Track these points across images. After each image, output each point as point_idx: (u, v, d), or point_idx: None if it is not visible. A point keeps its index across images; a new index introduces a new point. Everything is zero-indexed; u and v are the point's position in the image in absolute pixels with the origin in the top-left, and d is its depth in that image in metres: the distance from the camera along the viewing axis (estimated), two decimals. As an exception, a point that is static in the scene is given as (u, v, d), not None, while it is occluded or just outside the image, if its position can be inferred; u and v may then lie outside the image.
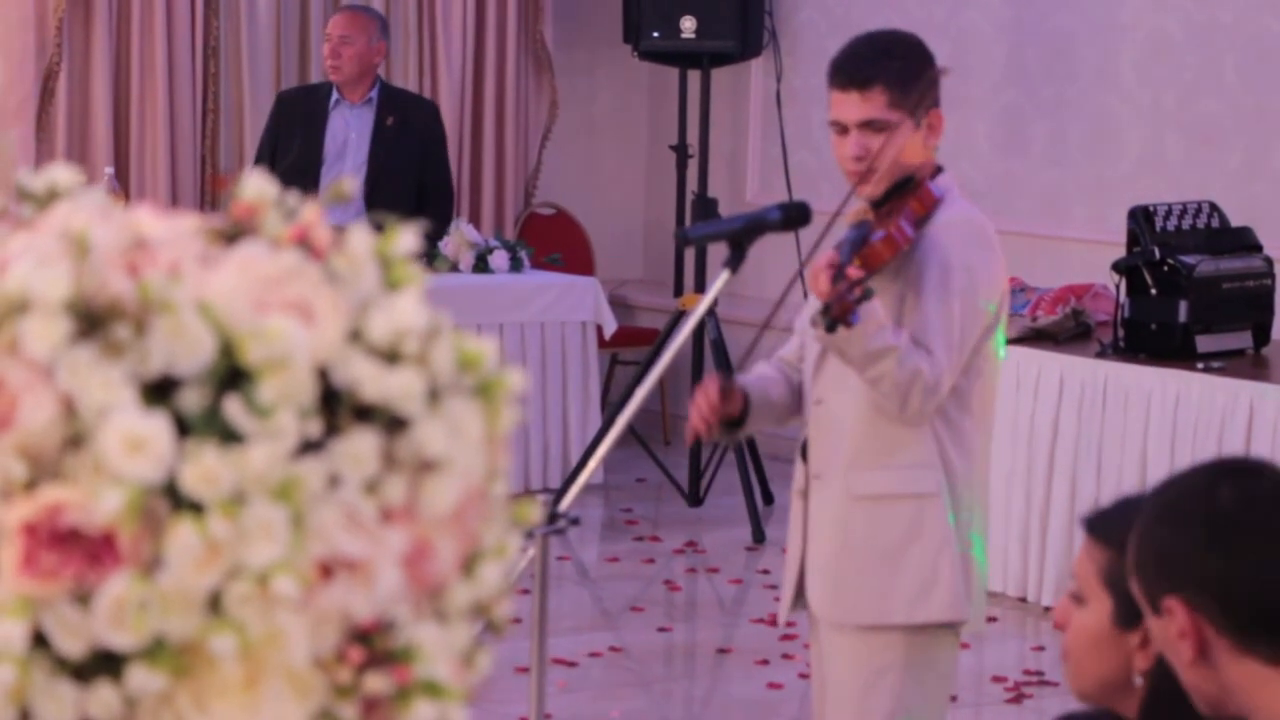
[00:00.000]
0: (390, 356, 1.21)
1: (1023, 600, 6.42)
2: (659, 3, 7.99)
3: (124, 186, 7.86)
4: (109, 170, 7.40)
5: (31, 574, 1.14)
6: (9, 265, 1.20)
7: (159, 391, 1.17)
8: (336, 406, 1.20)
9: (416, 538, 1.21)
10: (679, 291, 8.60)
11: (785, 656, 6.00)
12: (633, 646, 6.08)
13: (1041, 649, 6.15)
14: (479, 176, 8.85)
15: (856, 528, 3.61)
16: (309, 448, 1.18)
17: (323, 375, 1.20)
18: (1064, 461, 6.33)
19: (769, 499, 7.65)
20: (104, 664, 1.15)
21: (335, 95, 7.42)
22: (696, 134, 8.29)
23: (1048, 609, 6.41)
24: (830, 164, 8.56)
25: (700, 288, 7.80)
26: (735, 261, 3.38)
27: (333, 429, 1.19)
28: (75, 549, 1.15)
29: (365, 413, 1.20)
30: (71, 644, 1.15)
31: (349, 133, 7.39)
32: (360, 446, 1.19)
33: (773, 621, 6.33)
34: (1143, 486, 6.12)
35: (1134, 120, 7.68)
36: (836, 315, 3.29)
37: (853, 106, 3.56)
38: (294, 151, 7.29)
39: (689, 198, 8.32)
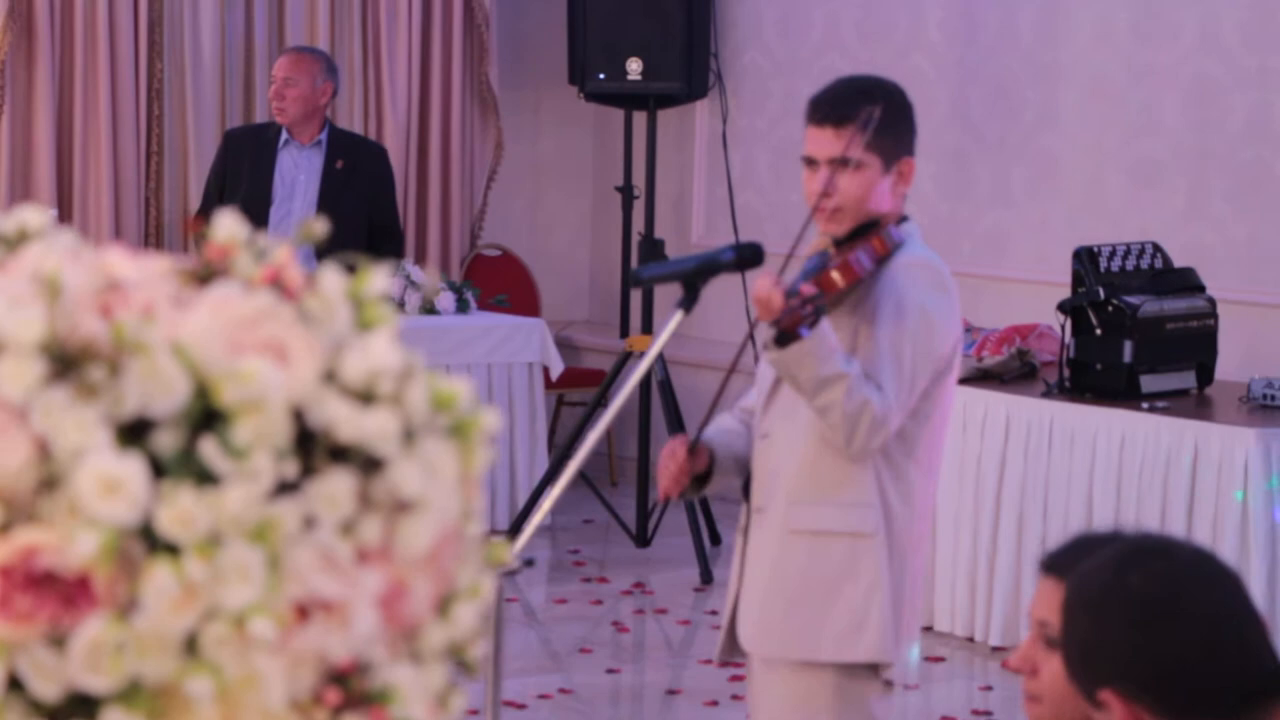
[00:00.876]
0: (365, 397, 1.21)
1: (970, 640, 6.44)
2: (604, 44, 8.02)
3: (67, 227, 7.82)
4: (52, 212, 7.35)
5: (6, 617, 1.14)
6: (-19, 307, 1.19)
7: (133, 433, 1.17)
8: (312, 447, 1.20)
9: (392, 578, 1.21)
10: (625, 333, 8.62)
11: (734, 697, 5.99)
12: (582, 688, 6.07)
13: (989, 689, 6.17)
14: (424, 217, 8.84)
15: (792, 562, 3.62)
16: (284, 489, 1.18)
17: (297, 416, 1.20)
18: (1010, 501, 6.35)
19: (716, 539, 7.65)
20: (79, 707, 1.15)
21: (285, 135, 7.41)
22: (642, 175, 8.31)
23: (995, 649, 6.43)
24: (776, 206, 8.64)
25: (648, 329, 7.82)
26: (689, 302, 3.40)
27: (308, 470, 1.19)
28: (50, 591, 1.14)
29: (340, 453, 1.20)
30: (47, 687, 1.14)
31: (298, 173, 7.38)
32: (336, 487, 1.19)
33: (722, 663, 6.32)
34: (1089, 524, 6.16)
35: (1075, 161, 7.74)
36: (786, 327, 3.31)
37: (826, 142, 3.59)
38: (242, 189, 7.28)
39: (635, 238, 8.35)
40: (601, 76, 8.02)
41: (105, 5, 8.04)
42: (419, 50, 8.80)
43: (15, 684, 1.15)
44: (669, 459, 3.59)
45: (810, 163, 3.65)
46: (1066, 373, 6.28)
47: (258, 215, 7.15)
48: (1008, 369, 6.54)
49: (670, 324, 3.40)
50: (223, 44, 8.37)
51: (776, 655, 3.64)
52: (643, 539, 7.68)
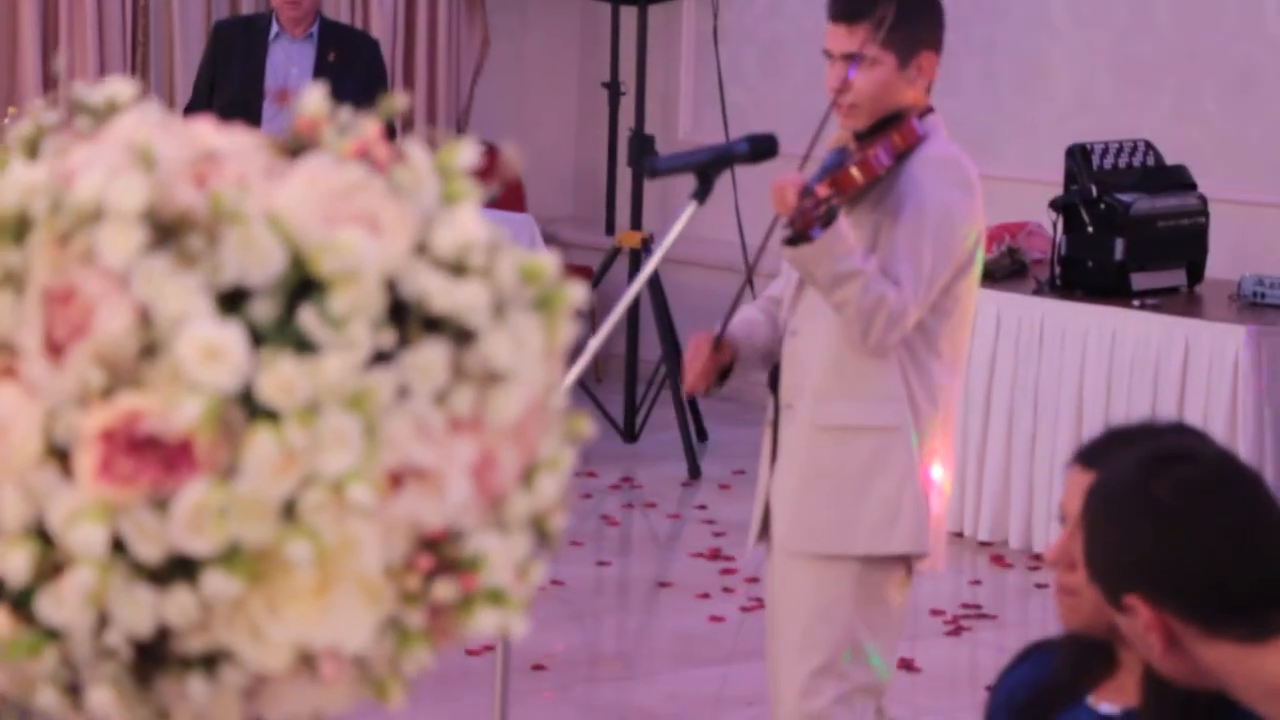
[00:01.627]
0: (456, 269, 1.23)
1: (959, 535, 6.49)
2: (595, -61, 7.97)
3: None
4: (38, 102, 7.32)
5: (110, 480, 1.15)
6: (76, 177, 1.20)
7: (231, 301, 1.18)
8: (405, 318, 1.21)
9: (483, 448, 1.23)
10: (610, 229, 8.61)
11: (726, 590, 6.05)
12: (572, 580, 6.11)
13: (978, 583, 6.23)
14: (410, 113, 8.81)
15: (822, 457, 3.65)
16: (380, 358, 1.20)
17: (391, 287, 1.21)
18: (1000, 398, 6.40)
19: (703, 435, 7.69)
20: (180, 569, 1.17)
21: (275, 28, 7.29)
22: (627, 72, 8.28)
23: (983, 544, 6.49)
24: (764, 102, 8.62)
25: (636, 225, 7.82)
26: (702, 193, 3.41)
27: (403, 340, 1.21)
28: (152, 456, 1.16)
29: (433, 324, 1.22)
30: (149, 549, 1.16)
31: (290, 67, 7.26)
32: (429, 357, 1.20)
33: (712, 555, 6.38)
34: (1079, 423, 6.21)
35: (1066, 60, 7.74)
36: (799, 229, 3.33)
37: (840, 38, 3.61)
38: (234, 84, 7.17)
39: (621, 135, 8.33)
40: (593, -30, 7.98)
41: (91, -102, 7.96)
42: (406, -52, 8.74)
43: (118, 546, 1.16)
44: (694, 356, 3.63)
45: (828, 55, 3.67)
46: (1058, 270, 6.31)
47: (252, 111, 7.07)
48: (998, 266, 6.56)
49: (685, 215, 3.42)
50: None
51: (809, 549, 3.67)
52: (630, 434, 7.71)
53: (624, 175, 8.36)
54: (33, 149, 1.25)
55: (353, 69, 7.26)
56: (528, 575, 1.30)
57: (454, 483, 1.21)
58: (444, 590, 1.22)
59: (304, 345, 1.18)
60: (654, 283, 7.59)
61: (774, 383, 3.74)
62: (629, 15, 8.28)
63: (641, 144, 7.50)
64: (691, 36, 8.96)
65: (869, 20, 3.59)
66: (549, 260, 1.27)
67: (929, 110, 3.68)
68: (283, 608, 1.18)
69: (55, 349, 1.17)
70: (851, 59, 3.59)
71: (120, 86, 1.28)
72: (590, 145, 9.26)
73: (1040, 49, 7.80)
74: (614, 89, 8.38)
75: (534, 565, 1.30)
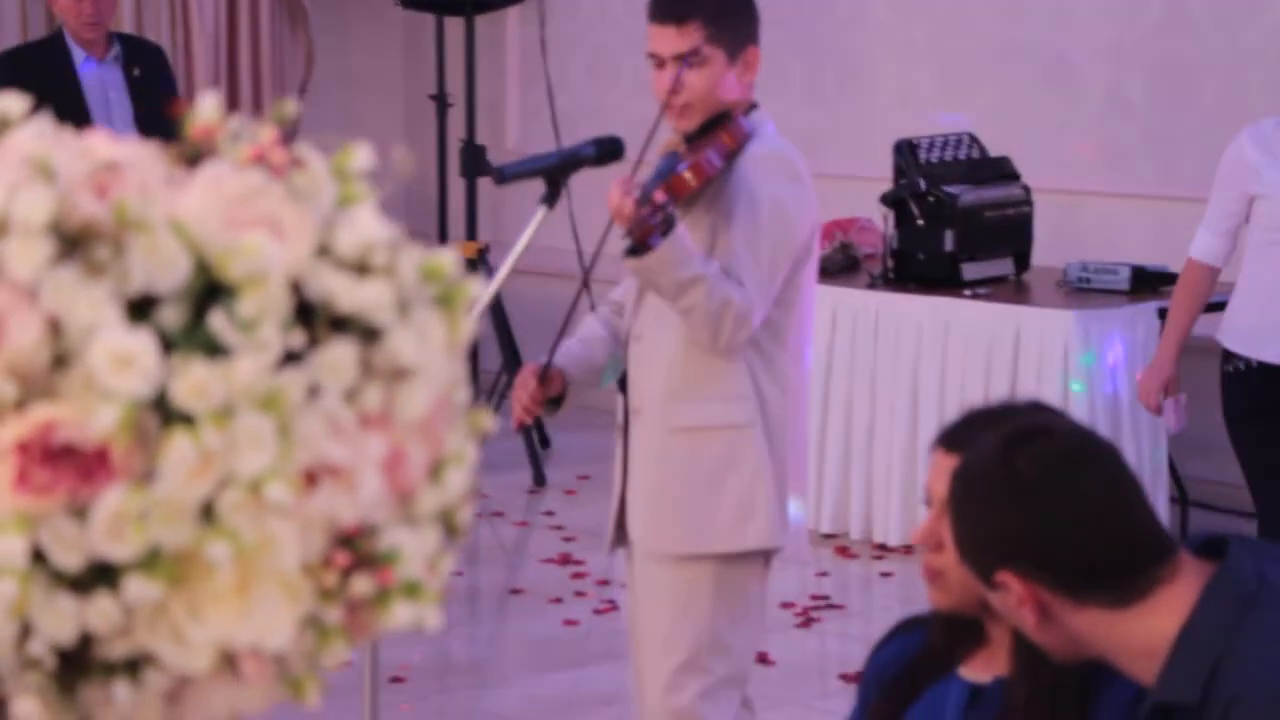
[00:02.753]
0: (360, 269, 1.25)
1: (803, 528, 6.57)
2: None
3: None
4: None
5: (27, 491, 1.16)
6: (-23, 191, 1.21)
7: (139, 309, 1.20)
8: (312, 319, 1.23)
9: (393, 444, 1.25)
10: (443, 241, 8.61)
11: (578, 594, 6.08)
12: (424, 592, 6.11)
13: (825, 574, 6.31)
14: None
15: (675, 459, 3.69)
16: (290, 359, 1.21)
17: (296, 289, 1.23)
18: (838, 391, 6.49)
19: (545, 442, 7.71)
20: (101, 576, 1.18)
21: (82, 54, 6.94)
22: (454, 83, 8.29)
23: (826, 535, 6.58)
24: (592, 110, 8.67)
25: (471, 235, 7.83)
26: (551, 198, 3.44)
27: (311, 341, 1.22)
28: (68, 465, 1.17)
29: (340, 324, 1.24)
30: (69, 558, 1.17)
31: (107, 91, 7.04)
32: (338, 356, 1.22)
33: (562, 561, 6.41)
34: (916, 413, 6.32)
35: (887, 57, 7.86)
36: (638, 238, 3.36)
37: (669, 40, 3.63)
38: (54, 115, 6.99)
39: (450, 146, 8.33)
40: (417, -17, 7.98)
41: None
42: (225, -40, 8.68)
43: (38, 556, 1.17)
44: (520, 389, 3.66)
45: (656, 60, 3.69)
46: (890, 263, 6.41)
47: None
48: (832, 262, 6.66)
49: (534, 221, 3.44)
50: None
51: (667, 550, 3.71)
52: (473, 444, 7.71)
53: (455, 186, 8.37)
54: (-72, 166, 1.25)
55: (157, 81, 7.12)
56: (438, 568, 1.32)
57: (367, 479, 1.23)
58: (361, 585, 1.24)
59: (214, 349, 1.19)
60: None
61: (624, 387, 3.78)
62: (453, 25, 8.29)
63: (474, 153, 7.52)
64: (517, 46, 8.99)
65: (698, 18, 3.63)
66: (448, 258, 1.29)
67: (754, 106, 3.73)
68: (204, 609, 1.20)
69: (-34, 363, 1.17)
70: (683, 59, 3.63)
71: (9, 103, 1.29)
72: (419, 158, 9.25)
73: (862, 46, 7.92)
74: (441, 100, 8.39)
75: (443, 558, 1.32)
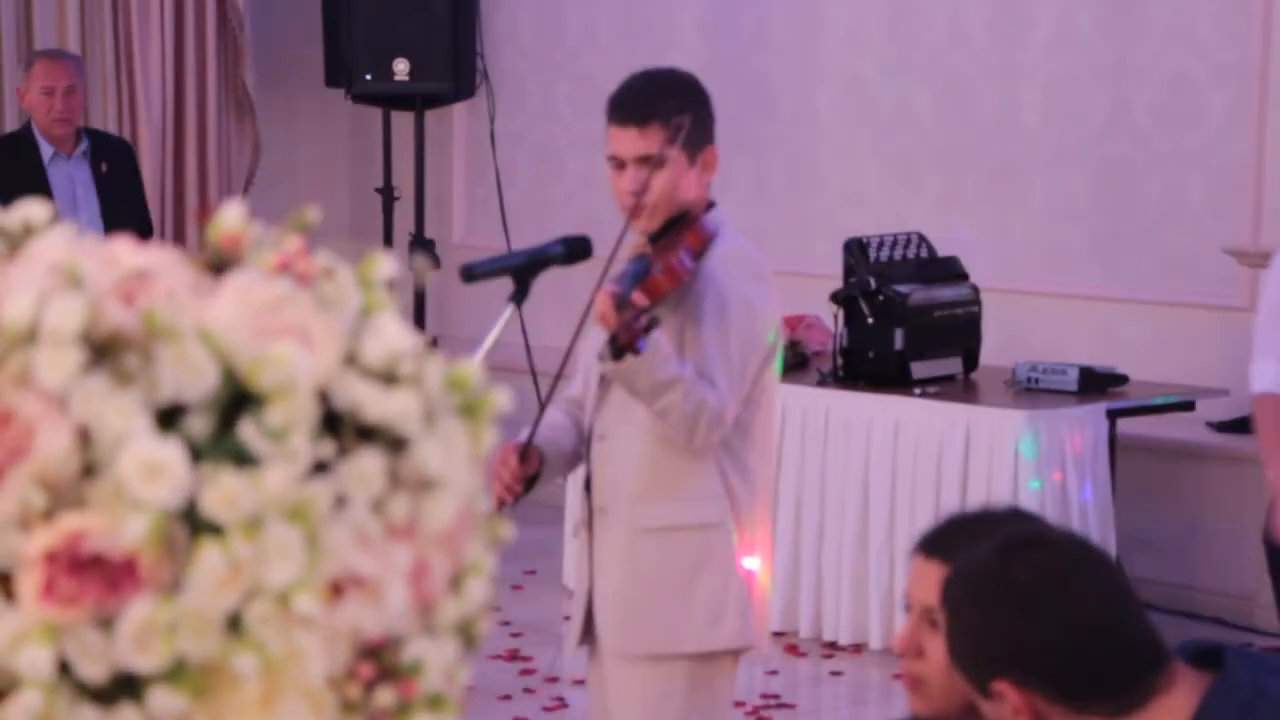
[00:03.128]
0: (387, 378, 1.24)
1: (752, 626, 6.55)
2: (371, 45, 8.01)
3: None
4: None
5: (54, 601, 1.15)
6: (5, 300, 1.20)
7: (168, 418, 1.19)
8: (339, 428, 1.23)
9: (418, 555, 1.25)
10: (389, 334, 8.59)
11: (527, 690, 6.04)
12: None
13: (774, 673, 6.30)
14: (182, 222, 8.73)
15: (645, 559, 3.68)
16: (318, 469, 1.21)
17: (323, 398, 1.23)
18: (788, 489, 6.50)
19: (492, 537, 7.68)
20: (125, 687, 1.17)
21: (50, 149, 7.00)
22: (401, 177, 8.30)
23: (776, 634, 6.56)
24: (537, 206, 8.70)
25: (420, 329, 7.82)
26: (519, 296, 3.44)
27: (339, 450, 1.22)
28: (96, 575, 1.16)
29: (367, 434, 1.23)
30: (94, 668, 1.16)
31: (74, 187, 6.98)
32: (366, 466, 1.22)
33: (510, 657, 6.37)
34: (866, 511, 6.33)
35: (833, 156, 7.93)
36: (624, 343, 3.36)
37: (630, 142, 3.64)
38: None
39: (397, 240, 8.34)
40: (368, 78, 8.01)
41: None
42: (172, 53, 8.69)
43: (63, 667, 1.16)
44: (502, 466, 3.60)
45: (617, 163, 3.70)
46: (839, 361, 6.44)
47: None
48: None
49: (502, 318, 3.44)
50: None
51: (641, 651, 3.69)
52: (418, 539, 7.68)
53: (403, 280, 8.36)
54: (-50, 273, 1.25)
55: (125, 177, 7.15)
56: (456, 679, 1.31)
57: (393, 590, 1.22)
58: (384, 698, 1.23)
59: (243, 459, 1.18)
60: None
61: (588, 485, 3.77)
62: (400, 119, 8.32)
63: (423, 248, 7.52)
64: (462, 141, 9.02)
65: (658, 120, 3.65)
66: (473, 367, 1.29)
67: (711, 204, 3.76)
68: (228, 722, 1.18)
69: (-7, 472, 1.16)
70: (645, 161, 3.64)
71: (33, 209, 1.28)
72: (365, 251, 9.24)
73: (809, 146, 7.98)
74: (387, 194, 8.41)
75: (461, 669, 1.31)
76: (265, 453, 1.19)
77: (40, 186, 6.84)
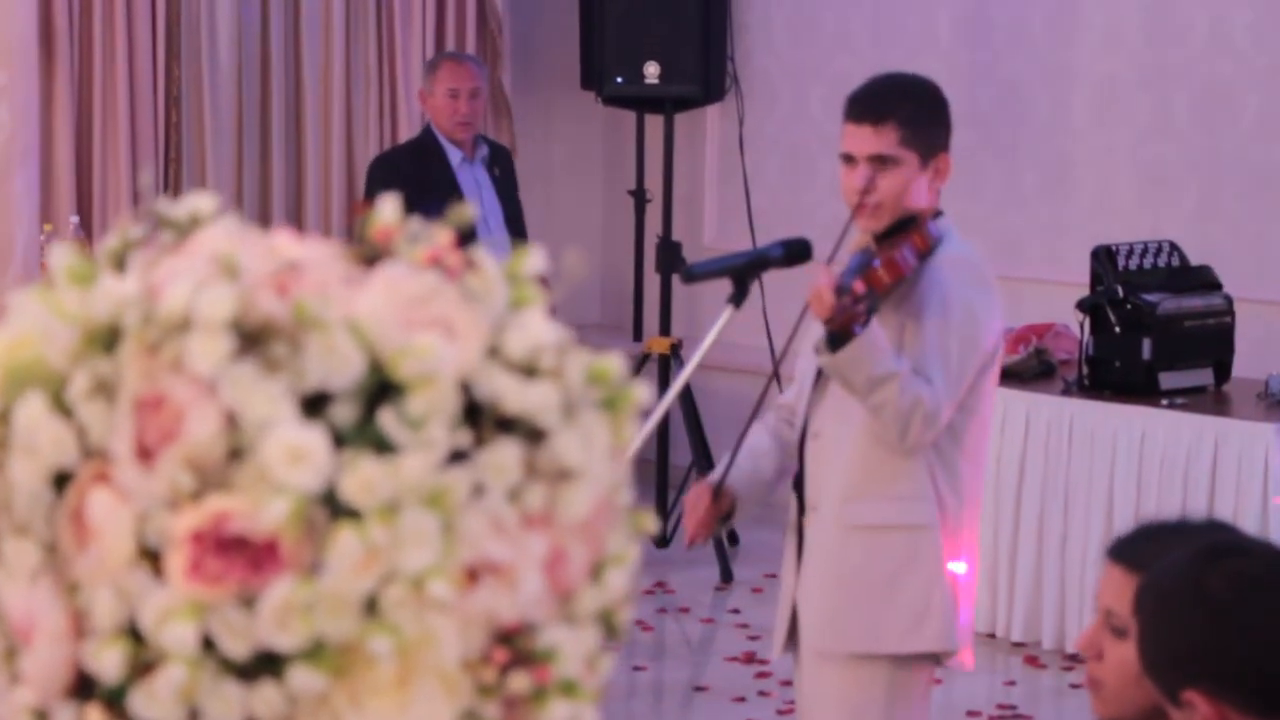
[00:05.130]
0: (528, 371, 1.27)
1: (991, 636, 6.50)
2: (621, 48, 8.08)
3: (89, 235, 7.88)
4: (74, 219, 7.42)
5: (200, 580, 1.20)
6: (164, 288, 1.25)
7: (313, 405, 1.23)
8: (479, 419, 1.26)
9: (554, 544, 1.27)
10: (638, 335, 8.67)
11: (761, 694, 6.05)
12: (608, 686, 6.12)
13: (1013, 684, 6.23)
14: (440, 222, 8.89)
15: (851, 557, 3.68)
16: (456, 458, 1.24)
17: (465, 389, 1.26)
18: (1031, 498, 6.42)
19: (734, 539, 7.71)
20: (266, 665, 1.21)
21: (458, 155, 6.93)
22: (653, 179, 8.37)
23: (1016, 644, 6.49)
24: (787, 208, 8.70)
25: (665, 330, 7.88)
26: (739, 297, 3.47)
27: (477, 440, 1.25)
28: (239, 556, 1.20)
29: (506, 425, 1.26)
30: (237, 646, 1.20)
31: (480, 191, 6.96)
32: (504, 456, 1.25)
33: (746, 659, 6.39)
34: (1110, 523, 6.23)
35: (1087, 162, 7.81)
36: (839, 327, 3.37)
37: (864, 140, 3.66)
38: (437, 216, 6.72)
39: (647, 241, 8.40)
40: (619, 80, 8.08)
41: (124, 9, 8.10)
42: (433, 53, 8.86)
43: (207, 644, 1.21)
44: (693, 509, 3.67)
45: (849, 159, 3.72)
46: (1085, 370, 6.35)
47: (466, 243, 6.68)
48: (1026, 368, 6.60)
49: (721, 320, 3.47)
50: (239, 47, 8.43)
51: (840, 649, 3.70)
52: (662, 540, 7.73)
53: (651, 281, 8.44)
54: (120, 262, 1.30)
55: (511, 179, 7.14)
56: (597, 668, 1.33)
57: (527, 577, 1.25)
58: (519, 682, 1.26)
59: (383, 446, 1.22)
60: (683, 388, 7.62)
61: (798, 484, 3.77)
62: (652, 122, 8.38)
63: (670, 250, 7.57)
64: (715, 143, 9.05)
65: (894, 120, 3.65)
66: (615, 362, 1.31)
67: (939, 213, 3.75)
68: (365, 701, 1.22)
69: (146, 454, 1.21)
70: (877, 160, 3.65)
71: (202, 201, 1.33)
72: (616, 252, 9.34)
73: (1063, 151, 7.87)
74: (640, 196, 8.47)
75: (602, 658, 1.34)
76: (404, 441, 1.22)
77: (453, 191, 6.77)
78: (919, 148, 3.68)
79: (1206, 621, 2.04)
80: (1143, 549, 2.27)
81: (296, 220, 8.37)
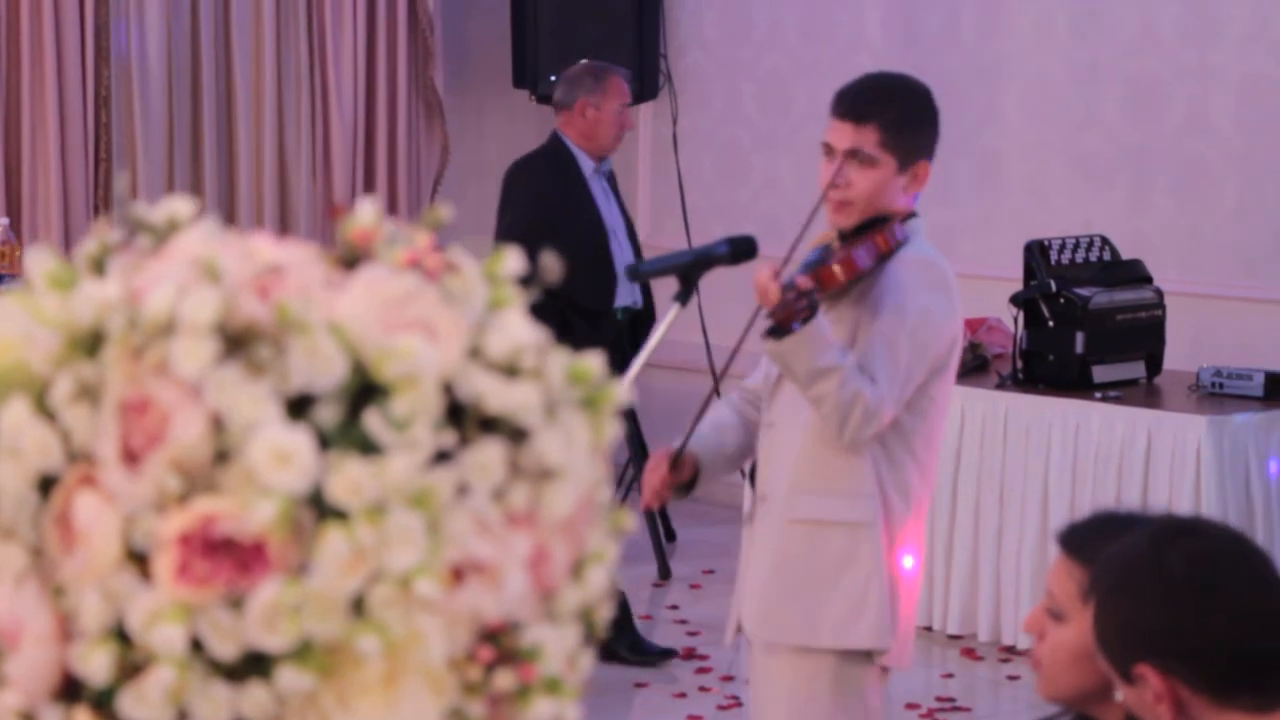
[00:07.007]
0: (509, 371, 1.28)
1: (928, 629, 6.54)
2: (555, 48, 8.09)
3: (18, 237, 7.82)
4: (4, 221, 7.37)
5: (187, 581, 1.20)
6: (146, 292, 1.26)
7: (297, 407, 1.24)
8: (462, 419, 1.27)
9: (537, 542, 1.29)
10: (573, 333, 8.67)
11: (702, 689, 6.08)
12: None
13: (950, 676, 6.27)
14: (372, 221, 8.88)
15: (792, 550, 3.70)
16: (440, 458, 1.25)
17: (447, 390, 1.27)
18: (967, 492, 6.47)
19: (671, 536, 7.73)
20: (255, 666, 1.22)
21: (591, 164, 6.86)
22: (588, 177, 8.37)
23: (952, 637, 6.54)
24: (722, 206, 8.73)
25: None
26: (684, 295, 3.48)
27: (461, 440, 1.26)
28: (227, 557, 1.21)
29: (488, 425, 1.27)
30: (225, 647, 1.21)
31: (607, 201, 6.90)
32: (487, 456, 1.26)
33: (686, 655, 6.41)
34: (1045, 515, 6.28)
35: (1019, 158, 7.87)
36: (780, 320, 3.40)
37: (845, 135, 3.68)
38: (578, 227, 6.62)
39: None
40: (553, 79, 8.08)
41: (51, 9, 8.04)
42: (364, 54, 8.85)
43: (195, 645, 1.21)
44: (652, 473, 3.69)
45: (828, 150, 3.74)
46: (1019, 364, 6.40)
47: (603, 250, 6.65)
48: (960, 361, 6.64)
49: (667, 318, 3.48)
50: (169, 48, 8.39)
51: (777, 640, 3.72)
52: (599, 536, 7.75)
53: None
54: (99, 266, 1.31)
55: (617, 187, 7.08)
56: (577, 665, 1.35)
57: (512, 576, 1.26)
58: (504, 680, 1.27)
59: (369, 447, 1.23)
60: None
61: (754, 476, 3.80)
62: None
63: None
64: (647, 141, 9.07)
65: (876, 121, 3.67)
66: (594, 361, 1.33)
67: (912, 215, 3.76)
68: (353, 700, 1.23)
69: (132, 457, 1.22)
70: (853, 156, 3.67)
71: (179, 205, 1.34)
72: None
73: (994, 147, 7.93)
74: (573, 194, 8.47)
75: (583, 655, 1.35)
76: (389, 441, 1.23)
77: (588, 201, 6.75)
78: (897, 152, 3.71)
79: (1162, 599, 2.08)
80: (1093, 538, 2.31)
81: (229, 221, 8.33)
